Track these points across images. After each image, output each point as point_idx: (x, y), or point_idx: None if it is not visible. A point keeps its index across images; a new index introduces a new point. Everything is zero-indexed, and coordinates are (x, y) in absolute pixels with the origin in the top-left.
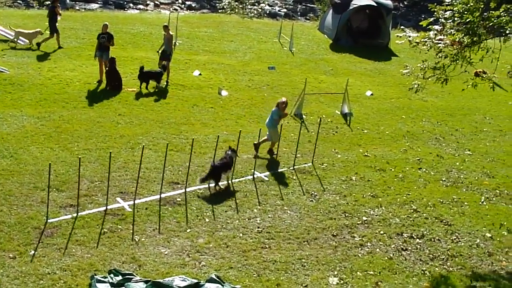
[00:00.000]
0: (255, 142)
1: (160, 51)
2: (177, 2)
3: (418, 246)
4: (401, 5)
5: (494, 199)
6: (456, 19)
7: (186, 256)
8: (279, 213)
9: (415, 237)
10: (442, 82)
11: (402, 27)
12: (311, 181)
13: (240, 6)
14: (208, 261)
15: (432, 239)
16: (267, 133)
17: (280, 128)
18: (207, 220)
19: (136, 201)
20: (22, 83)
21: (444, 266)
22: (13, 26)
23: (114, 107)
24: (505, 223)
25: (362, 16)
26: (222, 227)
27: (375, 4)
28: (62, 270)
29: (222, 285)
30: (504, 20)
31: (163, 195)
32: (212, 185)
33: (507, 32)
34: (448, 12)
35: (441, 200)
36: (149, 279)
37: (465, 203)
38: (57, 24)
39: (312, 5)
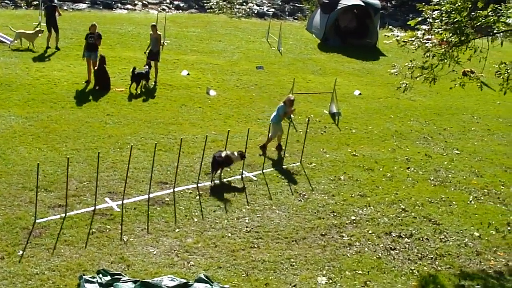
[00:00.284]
0: (261, 145)
1: (147, 52)
2: (165, 2)
3: (407, 246)
4: (389, 4)
5: (482, 198)
6: (443, 18)
7: (174, 256)
8: (268, 212)
9: (403, 236)
10: (430, 82)
11: (390, 26)
12: (299, 181)
13: (228, 6)
14: (197, 261)
15: (421, 239)
16: (271, 130)
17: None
18: (195, 220)
19: (125, 201)
20: (10, 83)
21: (433, 265)
22: (11, 27)
23: (103, 107)
24: (493, 222)
25: (350, 16)
26: (211, 227)
27: (363, 4)
28: (51, 270)
29: (211, 285)
30: (492, 19)
31: (151, 195)
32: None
33: (495, 31)
34: (436, 12)
35: (430, 200)
36: (138, 279)
37: (453, 202)
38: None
39: (300, 5)
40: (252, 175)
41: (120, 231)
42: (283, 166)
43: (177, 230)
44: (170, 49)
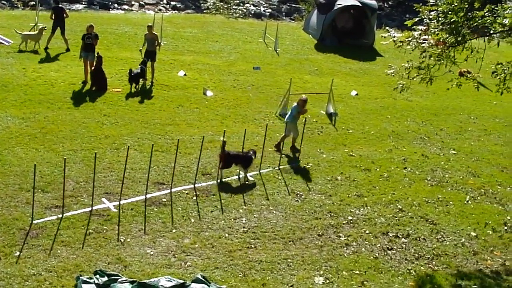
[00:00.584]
0: (276, 144)
1: (143, 51)
2: (161, 2)
3: (404, 246)
4: (385, 5)
5: (479, 198)
6: (440, 19)
7: (171, 256)
8: (265, 213)
9: (400, 236)
10: (427, 82)
11: (387, 27)
12: (296, 181)
13: (225, 6)
14: (194, 262)
15: (418, 238)
16: (285, 129)
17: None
18: (192, 220)
19: (122, 202)
20: (6, 83)
21: (430, 265)
22: (16, 30)
23: (99, 108)
24: (490, 222)
25: (347, 16)
26: (208, 227)
27: (360, 4)
28: (48, 271)
29: (208, 285)
30: (488, 20)
31: (148, 196)
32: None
33: (491, 32)
34: (433, 12)
35: (426, 200)
36: (135, 279)
37: (450, 202)
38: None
39: (297, 5)
40: (249, 176)
41: (117, 231)
42: (280, 167)
43: (174, 230)
44: (166, 49)
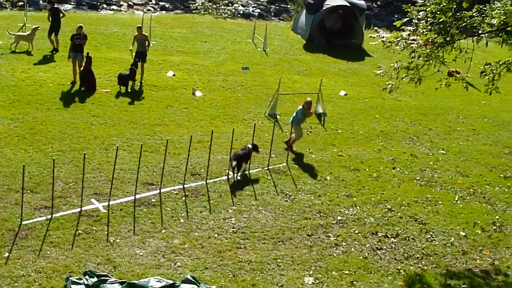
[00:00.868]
0: (286, 140)
1: (133, 51)
2: (150, 2)
3: (393, 245)
4: (374, 5)
5: (468, 198)
6: (429, 19)
7: (161, 257)
8: (254, 213)
9: (389, 236)
10: (416, 82)
11: (375, 27)
12: (285, 181)
13: (214, 6)
14: (184, 262)
15: (407, 238)
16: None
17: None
18: (182, 220)
19: (111, 202)
20: None
21: (419, 265)
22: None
23: (88, 108)
24: (478, 221)
25: (335, 16)
26: (197, 228)
27: (348, 5)
28: (37, 272)
29: (198, 286)
30: (477, 20)
31: (137, 196)
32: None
33: (480, 32)
34: (421, 13)
35: (416, 199)
36: (125, 280)
37: (439, 202)
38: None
39: (286, 6)
40: (238, 176)
41: (106, 232)
42: (269, 167)
43: (163, 231)
44: (155, 50)
